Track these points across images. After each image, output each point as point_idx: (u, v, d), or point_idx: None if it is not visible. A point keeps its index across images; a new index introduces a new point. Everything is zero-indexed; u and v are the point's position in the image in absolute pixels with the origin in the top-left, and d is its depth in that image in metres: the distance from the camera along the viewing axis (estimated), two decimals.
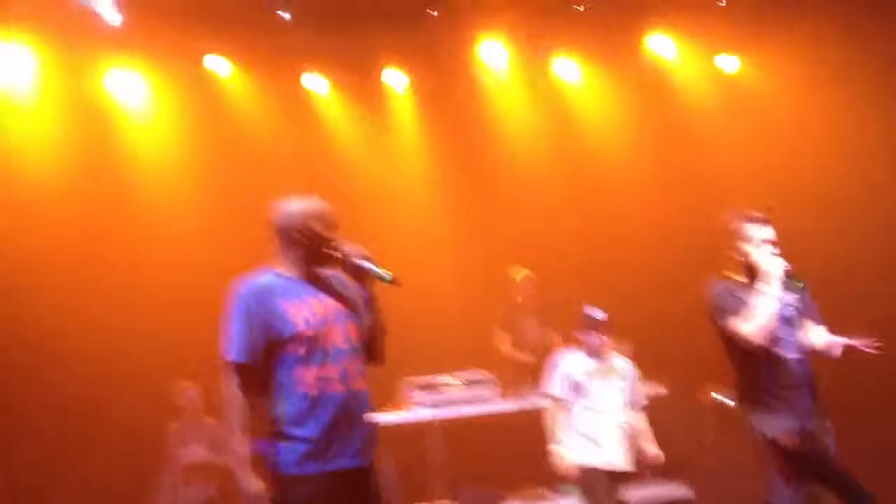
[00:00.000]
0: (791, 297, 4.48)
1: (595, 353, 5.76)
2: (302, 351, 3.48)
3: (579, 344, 5.80)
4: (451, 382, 7.04)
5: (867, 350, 4.36)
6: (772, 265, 4.43)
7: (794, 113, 8.52)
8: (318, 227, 3.59)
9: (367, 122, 8.72)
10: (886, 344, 4.40)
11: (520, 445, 7.08)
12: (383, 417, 6.70)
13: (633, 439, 5.72)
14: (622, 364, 5.86)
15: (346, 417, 3.48)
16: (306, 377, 3.48)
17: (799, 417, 4.39)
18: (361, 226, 7.24)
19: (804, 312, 4.54)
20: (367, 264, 3.57)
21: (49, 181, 7.52)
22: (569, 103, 9.11)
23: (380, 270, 3.55)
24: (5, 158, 7.45)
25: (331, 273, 3.70)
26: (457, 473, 6.87)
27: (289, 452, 3.44)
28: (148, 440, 6.98)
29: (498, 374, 7.27)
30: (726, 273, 4.62)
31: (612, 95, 9.02)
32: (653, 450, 5.69)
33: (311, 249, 3.61)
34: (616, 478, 5.65)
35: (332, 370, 3.50)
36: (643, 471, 6.98)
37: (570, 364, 5.77)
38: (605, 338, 5.73)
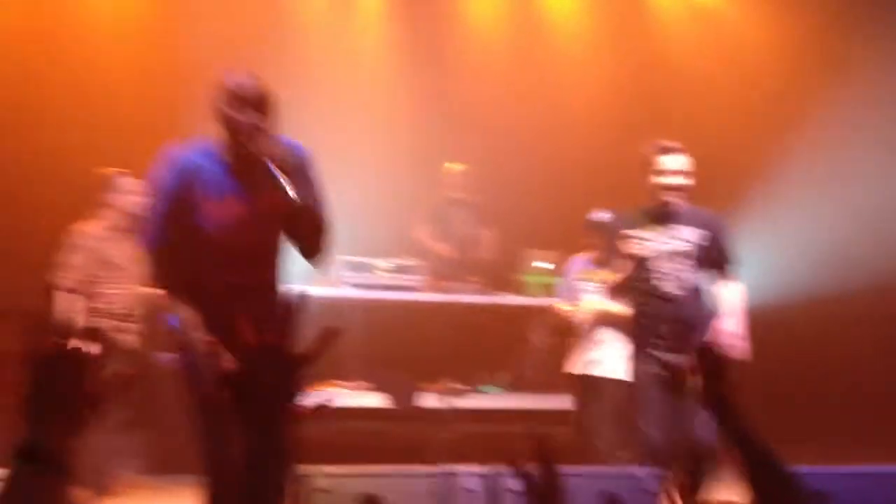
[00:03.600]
0: (688, 233, 4.67)
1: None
2: (209, 248, 3.36)
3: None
4: (381, 265, 6.98)
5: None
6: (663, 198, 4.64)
7: (768, 51, 8.49)
8: (229, 109, 3.26)
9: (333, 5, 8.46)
10: None
11: (439, 339, 7.13)
12: (310, 291, 6.66)
13: None
14: None
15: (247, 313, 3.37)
16: (212, 273, 3.36)
17: (662, 348, 4.64)
18: (312, 105, 7.18)
19: (703, 252, 4.71)
20: (273, 170, 3.25)
21: None
22: (543, 13, 8.93)
23: (284, 182, 3.22)
24: None
25: (300, 153, 3.47)
26: (375, 357, 6.88)
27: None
28: None
29: (425, 265, 7.23)
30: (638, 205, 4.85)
31: (587, 10, 8.88)
32: None
33: (227, 134, 3.33)
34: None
35: (238, 270, 3.35)
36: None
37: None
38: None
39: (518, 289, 7.34)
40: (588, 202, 8.04)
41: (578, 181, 8.26)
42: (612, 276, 4.96)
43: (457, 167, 7.74)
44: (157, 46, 7.67)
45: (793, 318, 7.54)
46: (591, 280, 5.82)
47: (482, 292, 7.18)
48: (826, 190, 7.99)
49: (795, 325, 7.58)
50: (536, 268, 7.36)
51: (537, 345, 7.28)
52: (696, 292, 4.73)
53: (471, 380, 7.14)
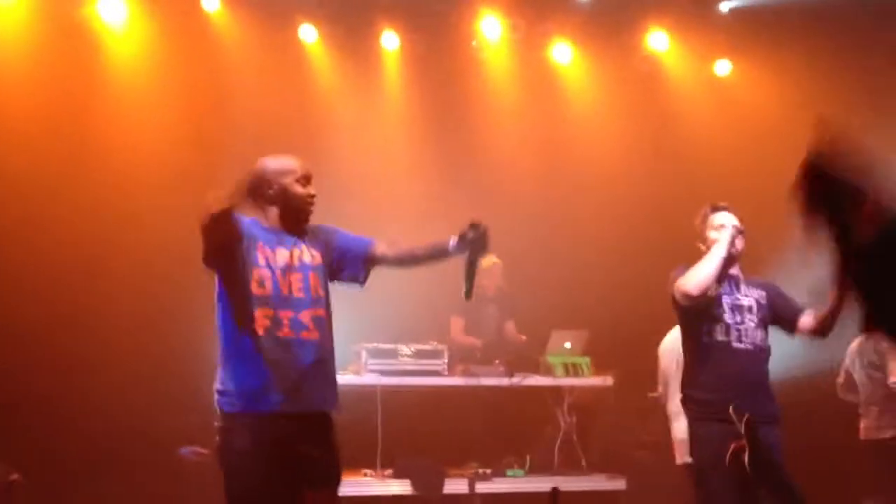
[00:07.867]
0: (752, 291, 4.47)
1: None
2: (256, 289, 3.48)
3: None
4: (404, 351, 6.97)
5: None
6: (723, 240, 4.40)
7: (779, 125, 8.56)
8: (289, 183, 3.63)
9: (354, 77, 8.56)
10: None
11: (466, 423, 7.06)
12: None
13: None
14: None
15: (293, 363, 3.46)
16: (257, 316, 3.46)
17: (734, 421, 4.17)
18: (338, 183, 7.25)
19: (771, 306, 4.47)
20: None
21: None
22: (561, 88, 9.03)
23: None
24: None
25: (320, 226, 3.75)
26: (401, 444, 6.81)
27: (232, 394, 3.47)
28: None
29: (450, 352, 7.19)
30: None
31: (604, 86, 8.98)
32: None
33: (286, 206, 3.64)
34: None
35: (284, 315, 3.48)
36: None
37: None
38: None
39: (543, 370, 7.27)
40: (612, 277, 8.02)
41: (600, 258, 8.21)
42: None
43: (489, 261, 7.40)
44: (187, 118, 7.80)
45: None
46: None
47: (506, 375, 7.12)
48: None
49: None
50: (560, 348, 7.32)
51: (563, 425, 7.20)
52: (764, 351, 4.43)
53: (498, 464, 7.04)
